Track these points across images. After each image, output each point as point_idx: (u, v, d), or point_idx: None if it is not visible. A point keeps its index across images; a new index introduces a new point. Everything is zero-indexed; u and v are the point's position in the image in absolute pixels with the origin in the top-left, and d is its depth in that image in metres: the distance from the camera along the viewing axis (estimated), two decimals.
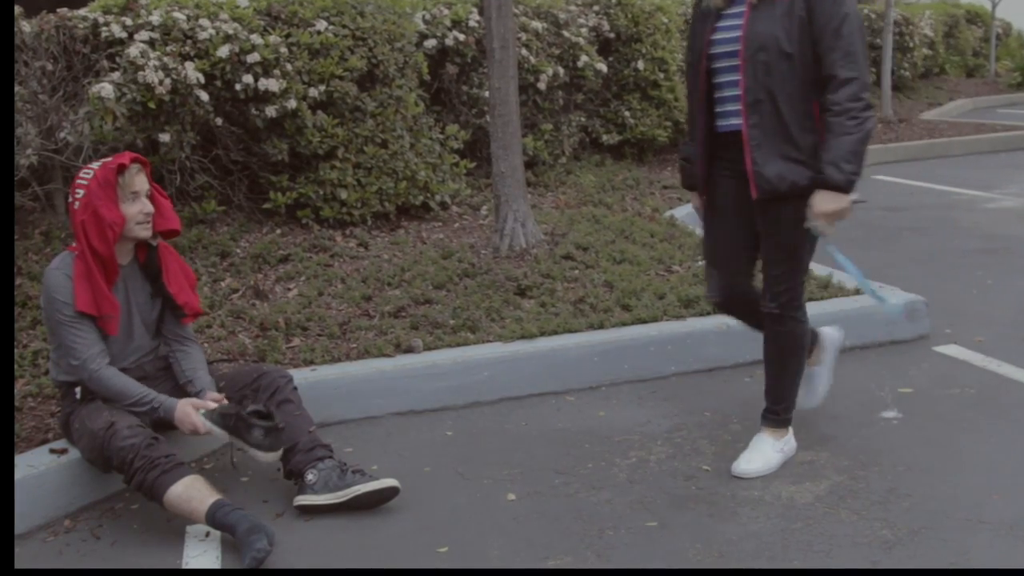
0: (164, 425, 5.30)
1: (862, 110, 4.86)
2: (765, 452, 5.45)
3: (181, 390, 5.43)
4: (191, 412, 5.05)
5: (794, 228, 5.13)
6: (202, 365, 5.52)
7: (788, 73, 4.94)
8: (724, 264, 5.52)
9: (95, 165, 5.18)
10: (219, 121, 8.46)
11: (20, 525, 5.00)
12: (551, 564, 4.60)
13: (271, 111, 8.47)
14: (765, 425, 5.55)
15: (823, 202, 4.96)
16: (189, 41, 8.29)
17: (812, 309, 7.18)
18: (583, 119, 12.71)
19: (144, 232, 5.22)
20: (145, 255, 5.40)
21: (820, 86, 4.95)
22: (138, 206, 5.16)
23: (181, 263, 5.55)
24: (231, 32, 8.32)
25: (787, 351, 5.44)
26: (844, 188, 4.92)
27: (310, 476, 5.16)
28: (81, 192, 5.12)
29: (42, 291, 5.23)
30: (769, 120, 5.01)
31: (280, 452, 5.21)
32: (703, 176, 5.47)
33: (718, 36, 5.17)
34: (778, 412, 5.53)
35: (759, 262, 5.43)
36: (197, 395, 5.36)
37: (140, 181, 5.18)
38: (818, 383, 5.94)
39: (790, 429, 5.57)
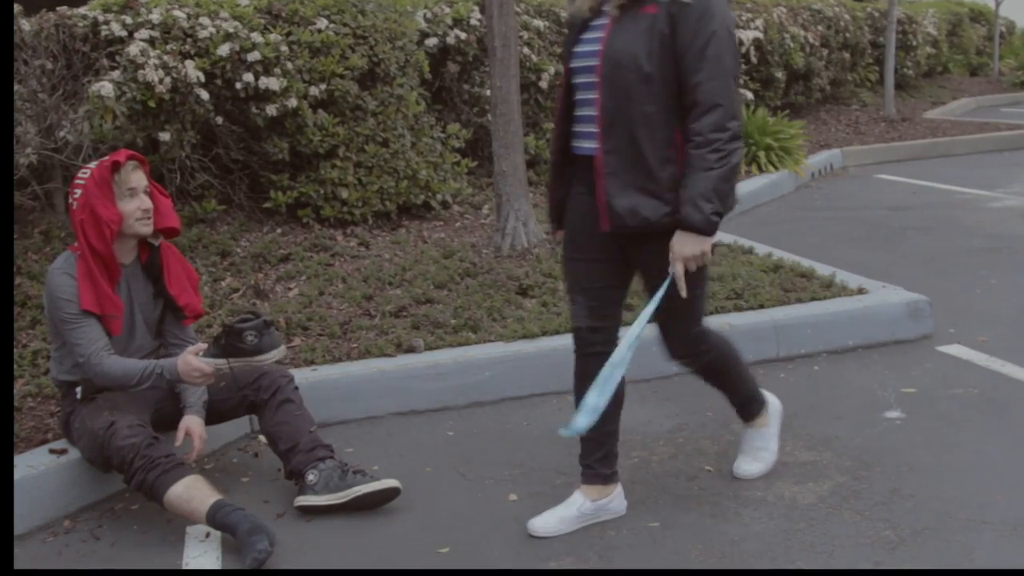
0: (166, 425, 5.31)
1: (727, 141, 4.31)
2: (762, 446, 5.42)
3: (177, 396, 5.44)
4: (192, 360, 4.99)
5: (661, 269, 4.63)
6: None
7: (647, 96, 4.39)
8: (586, 291, 4.91)
9: (92, 165, 5.18)
10: (219, 120, 8.46)
11: (19, 526, 5.00)
12: (553, 565, 4.59)
13: (272, 110, 8.47)
14: (747, 424, 5.41)
15: (680, 244, 4.45)
16: (189, 39, 8.29)
17: (815, 309, 7.21)
18: None
19: (144, 228, 5.21)
20: (147, 255, 5.40)
21: (684, 112, 4.40)
22: (136, 203, 5.16)
23: (184, 263, 5.54)
24: (231, 30, 8.32)
25: (717, 377, 5.20)
26: (702, 230, 4.39)
27: (311, 476, 5.16)
28: (79, 192, 5.12)
29: (45, 291, 5.22)
30: (625, 146, 4.46)
31: (282, 348, 5.13)
32: (556, 203, 4.96)
33: (579, 49, 4.64)
34: (750, 410, 5.37)
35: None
36: (185, 408, 5.38)
37: (137, 178, 5.17)
38: (764, 451, 5.43)
39: (764, 412, 5.39)
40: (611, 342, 4.94)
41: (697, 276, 4.64)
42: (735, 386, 5.25)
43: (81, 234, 5.09)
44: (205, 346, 5.07)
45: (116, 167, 5.12)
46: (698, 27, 4.30)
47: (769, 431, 5.41)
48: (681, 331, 4.90)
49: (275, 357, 5.06)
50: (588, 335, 4.96)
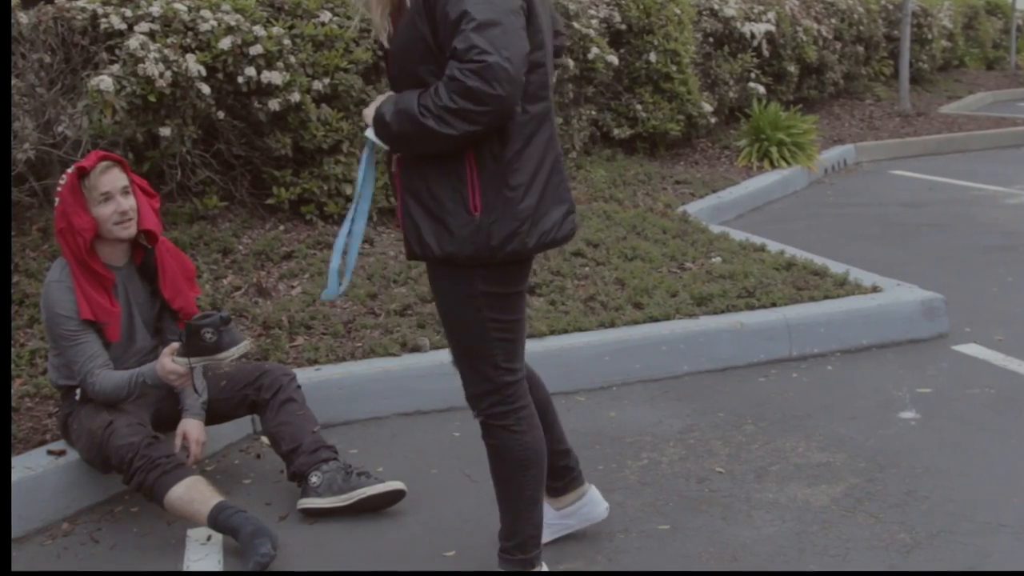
0: (166, 425, 5.32)
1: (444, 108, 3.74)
2: None
3: (176, 396, 5.45)
4: (166, 362, 4.95)
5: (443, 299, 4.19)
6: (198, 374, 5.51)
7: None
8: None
9: (70, 170, 5.18)
10: (221, 115, 8.46)
11: (17, 528, 5.00)
12: (561, 568, 4.59)
13: (274, 104, 8.47)
14: (500, 566, 4.38)
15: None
16: (190, 33, 8.28)
17: (829, 307, 7.21)
18: (594, 112, 12.69)
19: (123, 232, 5.18)
20: (142, 256, 5.40)
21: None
22: (111, 207, 5.12)
23: (179, 257, 5.52)
24: (233, 23, 8.32)
25: (500, 469, 4.32)
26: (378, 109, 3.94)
27: (314, 478, 5.16)
28: (58, 200, 5.13)
29: (42, 302, 5.23)
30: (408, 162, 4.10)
31: (244, 344, 4.99)
32: None
33: None
34: (511, 551, 4.34)
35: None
36: (183, 411, 5.39)
37: (108, 180, 5.12)
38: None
39: (538, 571, 4.37)
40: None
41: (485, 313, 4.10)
42: (517, 503, 4.33)
43: (63, 243, 5.11)
44: (177, 345, 5.04)
45: (82, 173, 5.10)
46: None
47: None
48: (470, 368, 4.25)
49: (236, 354, 4.96)
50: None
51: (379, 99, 4.00)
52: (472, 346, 4.12)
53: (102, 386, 5.09)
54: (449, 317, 4.14)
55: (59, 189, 5.15)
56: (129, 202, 5.18)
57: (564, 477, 4.75)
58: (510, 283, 4.09)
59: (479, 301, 4.03)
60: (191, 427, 5.32)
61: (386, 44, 4.03)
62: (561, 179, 4.10)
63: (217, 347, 4.89)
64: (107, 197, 5.10)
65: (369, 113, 4.00)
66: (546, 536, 4.60)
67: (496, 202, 3.88)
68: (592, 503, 4.82)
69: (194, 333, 4.87)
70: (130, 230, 5.20)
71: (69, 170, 5.17)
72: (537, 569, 4.35)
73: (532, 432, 4.25)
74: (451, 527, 5.00)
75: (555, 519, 4.75)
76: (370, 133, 4.00)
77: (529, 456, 4.23)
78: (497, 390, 4.17)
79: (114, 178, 5.14)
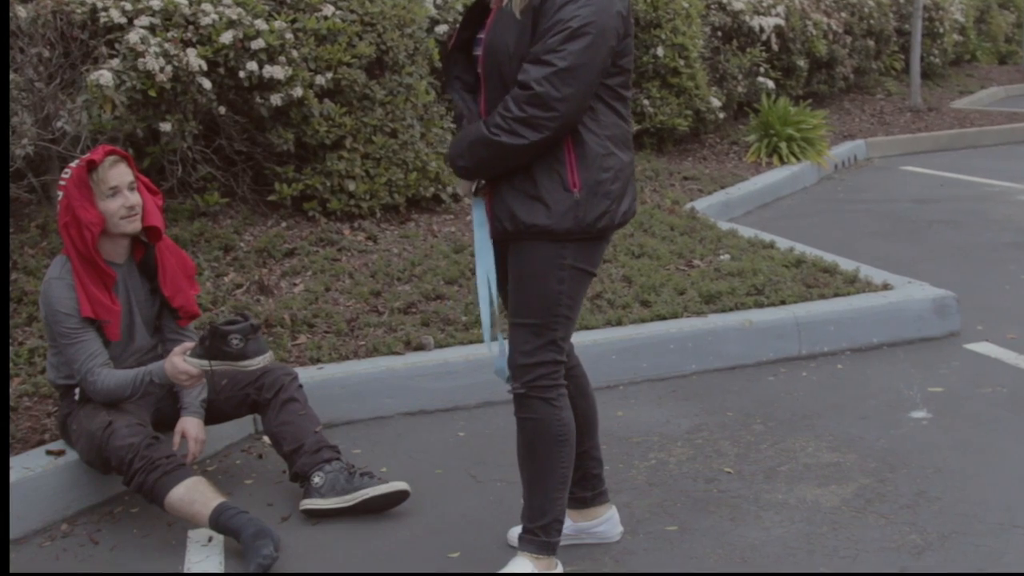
0: (167, 425, 5.32)
1: (514, 119, 4.08)
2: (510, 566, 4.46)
3: (175, 395, 5.45)
4: (178, 362, 4.96)
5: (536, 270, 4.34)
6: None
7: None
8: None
9: (74, 164, 5.19)
10: (222, 110, 8.46)
11: (16, 529, 5.01)
12: (568, 570, 4.58)
13: (276, 99, 8.47)
14: (522, 549, 4.45)
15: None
16: (191, 27, 8.28)
17: (839, 305, 7.20)
18: None
19: (130, 226, 5.19)
20: (142, 254, 5.40)
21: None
22: (118, 201, 5.14)
23: (179, 255, 5.52)
24: (235, 17, 8.31)
25: (535, 445, 4.40)
26: (448, 159, 4.43)
27: (317, 479, 5.16)
28: (61, 194, 5.14)
29: (41, 299, 5.23)
30: None
31: (269, 355, 5.03)
32: None
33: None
34: (536, 532, 4.42)
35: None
36: (181, 410, 5.39)
37: (116, 175, 5.14)
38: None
39: (544, 562, 4.42)
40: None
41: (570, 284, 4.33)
42: (549, 483, 4.42)
43: (67, 238, 5.11)
44: (192, 345, 5.04)
45: (92, 166, 5.11)
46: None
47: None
48: (537, 338, 4.37)
49: (260, 364, 4.99)
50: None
51: None
52: (541, 317, 4.30)
53: (104, 385, 5.08)
54: (528, 286, 4.32)
55: (62, 183, 5.15)
56: (136, 197, 5.19)
57: (595, 488, 4.79)
58: (594, 261, 4.40)
59: (564, 273, 4.28)
60: (190, 425, 5.32)
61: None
62: (632, 165, 4.42)
63: (242, 354, 4.89)
64: (115, 191, 5.12)
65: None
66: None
67: (592, 182, 4.20)
68: (612, 523, 4.85)
69: (221, 337, 4.86)
70: (135, 225, 5.21)
71: (73, 164, 5.18)
72: (555, 557, 4.45)
73: (568, 412, 4.43)
74: (456, 528, 5.00)
75: (572, 529, 4.76)
76: (473, 185, 4.40)
77: (566, 433, 4.40)
78: (548, 363, 4.34)
79: (122, 172, 5.16)
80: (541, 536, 4.40)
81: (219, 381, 5.45)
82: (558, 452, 4.38)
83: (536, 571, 4.39)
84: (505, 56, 4.16)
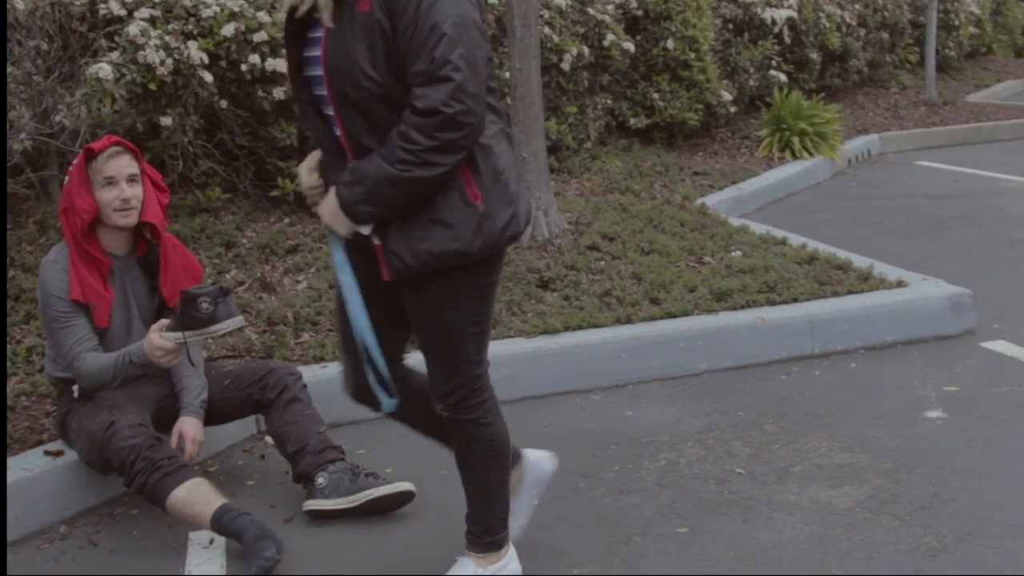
0: (168, 425, 5.32)
1: (425, 149, 3.76)
2: (470, 569, 4.48)
3: (176, 395, 5.45)
4: (154, 338, 4.90)
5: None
6: (198, 368, 5.50)
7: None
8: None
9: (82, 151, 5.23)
10: (224, 104, 8.47)
11: (13, 531, 5.01)
12: (575, 572, 4.59)
13: (279, 93, 8.47)
14: (467, 549, 4.50)
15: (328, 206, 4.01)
16: (192, 19, 8.29)
17: (852, 302, 7.19)
18: (609, 101, 12.69)
19: (122, 220, 5.19)
20: (145, 250, 5.40)
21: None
22: (113, 192, 5.15)
23: (185, 257, 5.52)
24: (236, 9, 8.33)
25: (467, 461, 4.40)
26: (345, 208, 3.91)
27: (320, 480, 5.16)
28: (67, 179, 5.17)
29: (38, 283, 5.25)
30: None
31: (239, 319, 4.90)
32: None
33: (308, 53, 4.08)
34: (478, 534, 4.45)
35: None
36: (180, 409, 5.39)
37: (116, 166, 5.15)
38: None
39: (505, 550, 4.49)
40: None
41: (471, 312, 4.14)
42: (488, 492, 4.43)
43: (65, 223, 5.15)
44: (168, 321, 4.98)
45: (89, 155, 5.13)
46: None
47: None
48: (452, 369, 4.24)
49: (230, 327, 4.87)
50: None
51: (328, 198, 4.00)
52: (447, 344, 4.14)
53: (87, 369, 5.08)
54: (426, 321, 4.14)
55: (70, 169, 5.21)
56: (133, 191, 5.18)
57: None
58: (496, 270, 4.16)
59: (459, 297, 4.05)
60: (188, 425, 5.32)
61: (329, 23, 3.87)
62: (518, 160, 4.21)
63: (212, 318, 4.78)
64: (110, 182, 5.13)
65: (332, 213, 3.98)
66: (520, 522, 4.72)
67: (492, 188, 3.94)
68: (536, 463, 4.84)
69: (190, 302, 4.77)
70: (130, 219, 5.20)
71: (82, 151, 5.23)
72: (505, 548, 4.47)
73: (497, 422, 4.34)
74: (461, 530, 4.98)
75: (516, 506, 4.71)
76: (364, 229, 3.97)
77: (496, 447, 4.34)
78: (466, 383, 4.21)
79: (121, 164, 5.16)
80: (485, 537, 4.43)
81: (222, 380, 5.45)
82: (491, 464, 4.36)
83: (480, 571, 4.42)
84: (354, 75, 3.78)
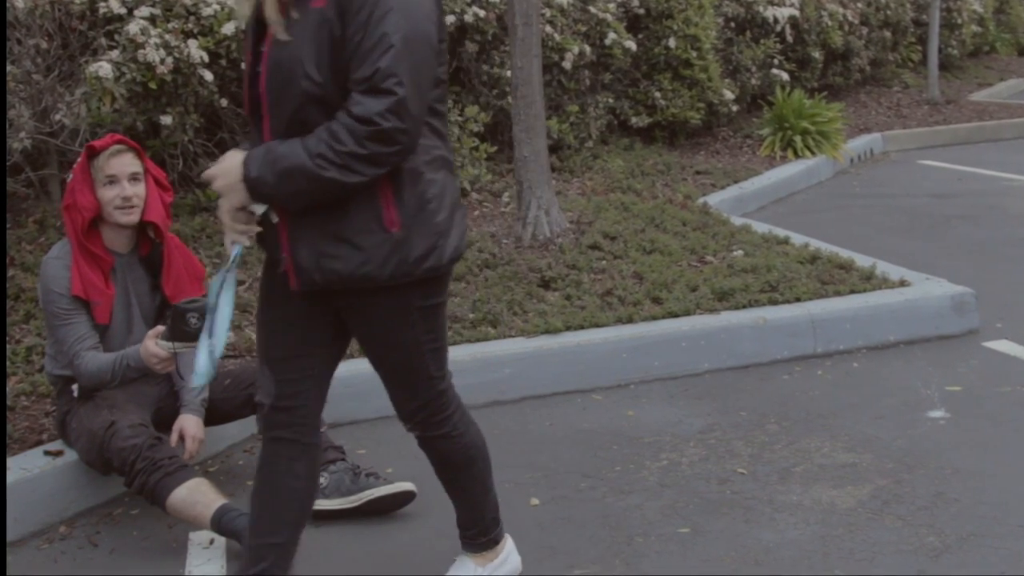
0: (168, 425, 5.31)
1: (347, 154, 3.60)
2: (470, 569, 4.47)
3: (176, 394, 5.45)
4: (150, 344, 4.90)
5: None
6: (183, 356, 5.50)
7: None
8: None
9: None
10: (224, 102, 8.47)
11: (13, 532, 5.01)
12: (577, 573, 4.59)
13: None
14: (463, 549, 4.50)
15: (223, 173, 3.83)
16: (192, 17, 8.29)
17: (855, 302, 7.19)
18: (611, 100, 12.68)
19: (124, 218, 5.19)
20: (148, 249, 5.40)
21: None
22: (115, 190, 5.14)
23: (187, 256, 5.52)
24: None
25: (445, 472, 4.38)
26: (248, 180, 3.72)
27: (321, 480, 5.15)
28: (71, 176, 5.18)
29: (39, 280, 5.26)
30: None
31: (228, 334, 4.95)
32: None
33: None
34: (471, 536, 4.45)
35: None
36: (181, 408, 5.38)
37: (116, 164, 5.15)
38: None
39: (502, 545, 4.49)
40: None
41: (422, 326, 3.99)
42: (475, 494, 4.41)
43: (67, 219, 5.16)
44: (163, 328, 4.96)
45: (92, 153, 5.14)
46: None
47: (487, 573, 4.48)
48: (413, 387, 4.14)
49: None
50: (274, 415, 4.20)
51: (232, 160, 3.80)
52: (405, 365, 4.04)
53: (87, 368, 5.09)
54: (379, 343, 4.02)
55: (75, 166, 5.22)
56: (135, 189, 5.19)
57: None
58: (443, 291, 4.02)
59: (414, 317, 3.93)
60: (188, 423, 5.31)
61: (283, 36, 3.70)
62: (457, 189, 4.01)
63: (199, 333, 4.80)
64: (112, 180, 5.13)
65: (230, 181, 3.78)
66: None
67: (415, 216, 3.76)
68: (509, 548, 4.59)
69: (179, 317, 4.74)
70: (131, 217, 5.20)
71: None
72: (502, 543, 4.47)
73: (468, 430, 4.30)
74: None
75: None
76: (258, 208, 3.79)
77: (472, 455, 4.31)
78: (431, 400, 4.14)
79: (123, 163, 5.17)
80: (479, 538, 4.43)
81: (222, 380, 5.45)
82: (470, 473, 4.34)
83: (479, 570, 4.42)
84: (294, 73, 3.65)
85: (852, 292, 7.50)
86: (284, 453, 4.13)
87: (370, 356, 4.07)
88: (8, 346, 6.45)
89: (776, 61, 14.87)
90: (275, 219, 3.80)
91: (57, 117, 7.75)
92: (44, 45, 7.91)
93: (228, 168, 3.78)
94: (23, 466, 5.22)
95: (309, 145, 3.60)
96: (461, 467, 4.31)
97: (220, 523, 4.78)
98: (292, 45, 3.65)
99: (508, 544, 4.52)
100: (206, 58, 8.14)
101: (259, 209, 3.78)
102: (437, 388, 4.13)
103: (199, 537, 5.00)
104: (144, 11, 8.18)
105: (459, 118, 10.33)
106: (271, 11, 3.69)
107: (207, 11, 8.27)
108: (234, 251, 3.93)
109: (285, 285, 3.90)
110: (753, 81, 14.47)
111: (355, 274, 3.74)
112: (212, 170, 3.85)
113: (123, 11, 8.26)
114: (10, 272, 7.28)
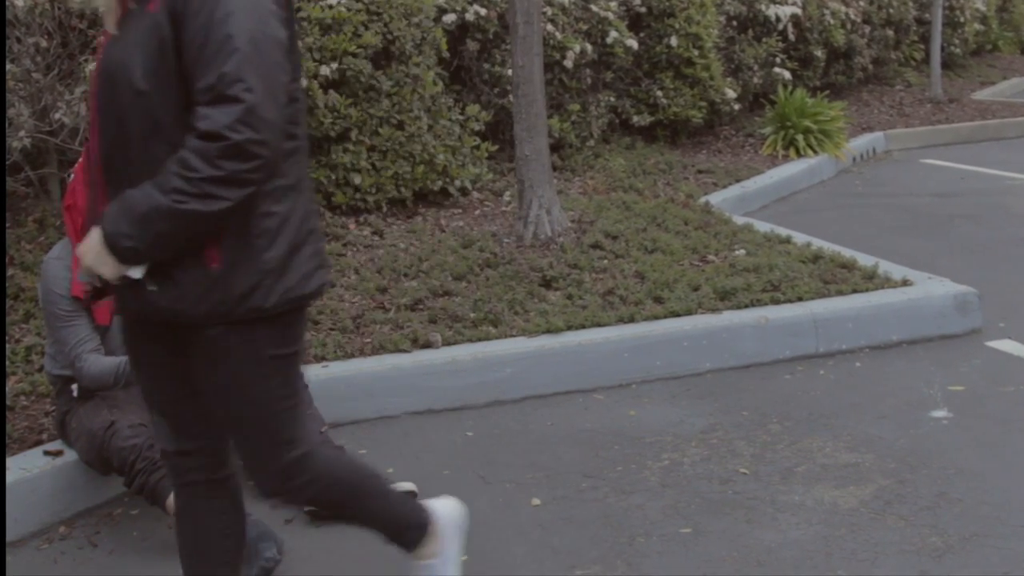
0: None
1: (207, 180, 3.20)
2: (427, 570, 4.20)
3: None
4: None
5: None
6: None
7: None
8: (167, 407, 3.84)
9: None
10: None
11: (12, 532, 5.01)
12: (578, 573, 4.59)
13: None
14: (408, 555, 4.20)
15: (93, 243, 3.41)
16: None
17: (857, 301, 7.18)
18: (612, 99, 12.69)
19: None
20: None
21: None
22: None
23: None
24: None
25: (339, 514, 4.16)
26: (108, 240, 3.33)
27: None
28: (71, 175, 5.18)
29: (40, 280, 5.26)
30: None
31: None
32: None
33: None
34: (403, 542, 4.13)
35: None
36: None
37: None
38: None
39: (435, 524, 4.16)
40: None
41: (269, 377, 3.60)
42: (371, 515, 4.07)
43: (67, 219, 5.16)
44: None
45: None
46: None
47: (442, 560, 4.22)
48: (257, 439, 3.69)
49: None
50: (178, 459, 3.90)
51: (91, 234, 3.40)
52: (255, 422, 3.61)
53: (89, 371, 5.08)
54: (230, 393, 3.56)
55: (78, 164, 5.21)
56: None
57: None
58: (297, 339, 3.65)
59: (267, 367, 3.54)
60: None
61: (112, 29, 3.43)
62: (313, 225, 3.63)
63: None
64: None
65: (94, 251, 3.39)
66: (452, 560, 4.29)
67: (239, 252, 3.37)
68: (446, 516, 4.28)
69: None
70: None
71: None
72: (433, 523, 4.15)
73: (335, 473, 3.88)
74: (463, 529, 4.99)
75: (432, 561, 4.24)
76: (135, 272, 3.37)
77: (348, 488, 3.96)
78: (290, 464, 3.71)
79: None
80: (409, 535, 4.12)
81: None
82: (355, 500, 3.98)
83: (436, 564, 4.15)
84: (122, 83, 3.32)
85: (854, 291, 7.49)
86: (201, 494, 3.88)
87: (213, 406, 3.65)
88: (8, 346, 6.45)
89: (778, 60, 14.87)
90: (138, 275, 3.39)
91: (57, 116, 7.74)
92: (44, 44, 7.90)
93: (92, 238, 3.40)
94: (23, 466, 5.22)
95: (161, 182, 3.22)
96: (343, 505, 3.99)
97: None
98: (124, 52, 3.32)
99: (440, 513, 4.21)
100: None
101: (136, 273, 3.37)
102: (297, 452, 3.70)
103: None
104: None
105: (460, 117, 10.33)
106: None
107: None
108: None
109: (146, 330, 3.64)
110: (755, 80, 14.47)
111: (170, 308, 3.40)
112: (79, 247, 3.48)
113: None
114: (10, 271, 7.28)
